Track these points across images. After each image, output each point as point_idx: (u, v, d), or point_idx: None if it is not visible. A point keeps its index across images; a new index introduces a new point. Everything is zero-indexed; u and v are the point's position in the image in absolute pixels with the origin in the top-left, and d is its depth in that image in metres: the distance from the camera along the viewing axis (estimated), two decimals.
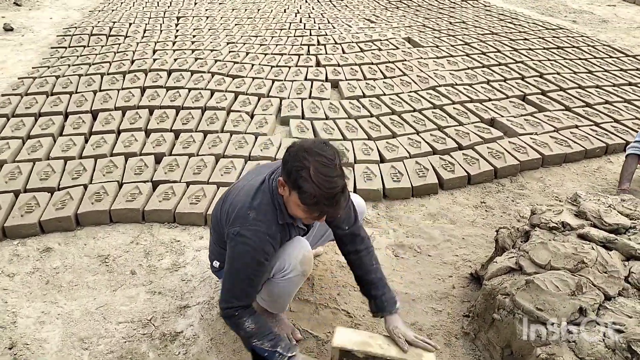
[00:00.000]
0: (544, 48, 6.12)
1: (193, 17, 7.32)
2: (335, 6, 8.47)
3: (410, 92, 4.82)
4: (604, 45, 6.38)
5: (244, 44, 6.02)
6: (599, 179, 3.65)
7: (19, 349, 2.19)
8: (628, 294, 1.99)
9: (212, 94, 4.53)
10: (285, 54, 5.72)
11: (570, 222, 2.34)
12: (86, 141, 3.78)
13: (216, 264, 2.22)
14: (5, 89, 4.58)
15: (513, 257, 2.27)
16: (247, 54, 5.64)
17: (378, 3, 8.67)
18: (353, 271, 2.16)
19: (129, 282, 2.59)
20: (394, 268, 2.75)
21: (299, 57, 5.62)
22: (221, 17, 7.35)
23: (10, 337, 2.24)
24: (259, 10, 7.95)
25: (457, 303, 2.50)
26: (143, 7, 7.84)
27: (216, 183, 3.30)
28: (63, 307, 2.43)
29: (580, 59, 5.82)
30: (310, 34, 6.53)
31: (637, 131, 4.12)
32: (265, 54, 5.65)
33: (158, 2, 8.22)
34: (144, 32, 6.38)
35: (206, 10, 7.81)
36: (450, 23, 7.26)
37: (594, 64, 5.66)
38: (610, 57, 5.95)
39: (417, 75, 5.18)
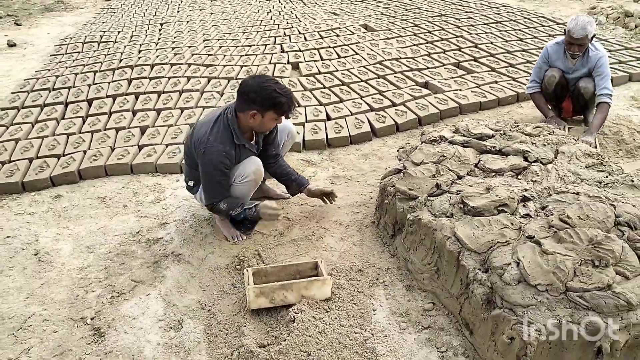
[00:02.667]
0: (484, 24, 6.90)
1: (175, 22, 8.15)
2: (305, 4, 9.28)
3: (360, 67, 5.61)
4: (539, 16, 7.15)
5: (219, 39, 6.85)
6: (507, 119, 4.40)
7: (42, 254, 2.97)
8: (475, 174, 2.75)
9: (188, 80, 5.33)
10: (254, 45, 6.53)
11: (446, 135, 3.11)
12: (84, 122, 4.58)
13: (191, 183, 3.06)
14: (14, 88, 5.41)
15: (401, 162, 3.04)
16: (220, 47, 6.46)
17: None
18: (273, 173, 3.09)
19: (122, 212, 3.38)
20: None
21: (266, 46, 6.43)
22: (200, 21, 8.18)
23: (35, 248, 3.03)
24: (234, 12, 8.77)
25: (371, 207, 3.26)
26: (130, 18, 8.69)
27: None
28: (72, 230, 3.22)
29: (514, 29, 6.60)
30: (278, 28, 7.35)
31: None
32: (237, 46, 6.47)
33: (144, 13, 9.07)
34: (131, 37, 7.22)
35: (187, 16, 8.64)
36: (406, 10, 8.06)
37: (526, 33, 6.44)
38: (542, 25, 6.73)
39: (368, 54, 5.97)
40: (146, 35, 7.27)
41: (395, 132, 4.32)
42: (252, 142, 2.93)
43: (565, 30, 3.86)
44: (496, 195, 2.47)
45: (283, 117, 2.79)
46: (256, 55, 6.10)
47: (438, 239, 2.43)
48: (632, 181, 2.57)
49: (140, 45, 6.65)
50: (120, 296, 2.64)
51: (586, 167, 2.78)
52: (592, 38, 3.82)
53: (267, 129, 2.83)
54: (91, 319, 2.49)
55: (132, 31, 7.59)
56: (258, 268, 2.56)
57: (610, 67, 4.09)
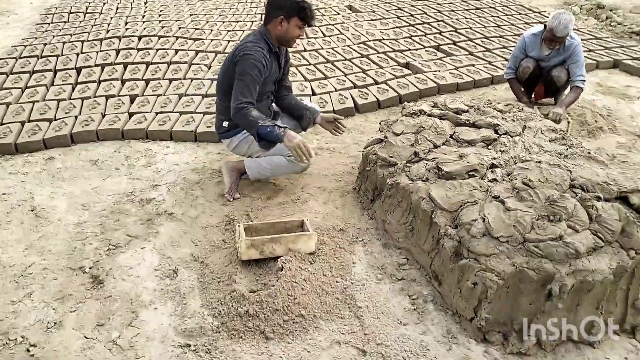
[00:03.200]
0: (464, 9, 7.12)
1: None
2: None
3: (344, 46, 5.78)
4: (517, 5, 7.41)
5: (205, 14, 6.92)
6: (482, 99, 4.65)
7: (38, 210, 3.11)
8: (450, 144, 2.99)
9: (176, 52, 5.43)
10: (241, 20, 6.64)
11: (425, 109, 3.33)
12: (73, 89, 4.66)
13: (225, 124, 3.18)
14: (0, 54, 5.43)
15: (383, 133, 3.26)
16: (207, 22, 6.55)
17: None
18: (288, 104, 3.35)
19: (114, 174, 3.53)
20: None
21: (252, 22, 6.54)
22: None
23: (31, 205, 3.17)
24: None
25: (353, 176, 3.48)
26: None
27: (179, 112, 4.23)
28: (66, 189, 3.36)
29: (492, 16, 6.85)
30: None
31: None
32: (224, 22, 6.56)
33: None
34: (117, 9, 7.22)
35: None
36: None
37: (503, 20, 6.70)
38: (519, 13, 6.99)
39: (352, 34, 6.14)
40: (132, 8, 7.27)
41: (377, 108, 4.54)
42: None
43: (545, 25, 4.07)
44: (467, 162, 2.71)
45: (305, 29, 3.11)
46: (243, 30, 6.21)
47: (414, 200, 2.66)
48: (589, 153, 2.84)
49: (127, 17, 6.69)
50: (116, 249, 2.81)
51: (549, 140, 3.04)
52: None
53: (291, 36, 3.02)
54: (89, 268, 2.66)
55: (118, 3, 7.58)
56: (249, 224, 2.77)
57: None
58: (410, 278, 2.58)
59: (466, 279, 2.26)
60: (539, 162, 2.66)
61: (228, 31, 6.17)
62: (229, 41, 5.80)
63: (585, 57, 5.25)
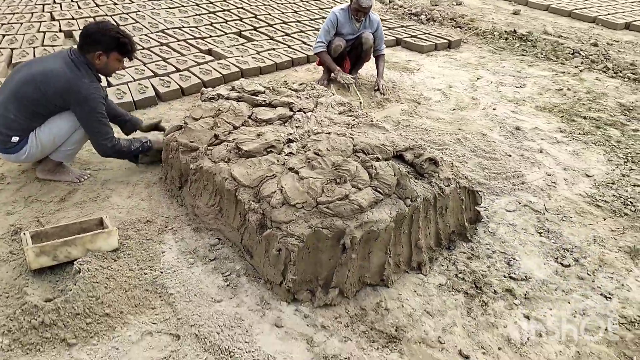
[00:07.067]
0: None
1: None
2: None
3: (141, 35, 5.51)
4: None
5: None
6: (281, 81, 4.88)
7: None
8: (249, 124, 3.08)
9: None
10: (18, 12, 5.87)
11: (223, 93, 3.37)
12: None
13: (15, 139, 2.89)
14: None
15: (183, 119, 3.22)
16: None
17: None
18: (107, 112, 3.09)
19: None
20: None
21: (32, 14, 5.84)
22: None
23: None
24: None
25: (158, 165, 3.37)
26: None
27: None
28: None
29: (289, 2, 7.17)
30: None
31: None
32: None
33: None
34: None
35: None
36: None
37: (300, 6, 7.06)
38: (315, 0, 7.44)
39: (149, 22, 5.88)
40: None
41: (181, 96, 4.44)
42: None
43: (351, 1, 4.48)
44: (265, 140, 2.83)
45: (125, 60, 3.04)
46: (21, 23, 5.51)
47: (218, 181, 2.69)
48: (372, 121, 3.19)
49: None
50: None
51: (339, 113, 3.33)
52: None
53: (111, 70, 3.01)
54: None
55: None
56: (37, 230, 2.51)
57: None
58: (223, 257, 2.62)
59: (272, 247, 2.37)
60: (329, 133, 2.90)
61: (2, 24, 5.41)
62: (3, 35, 5.09)
63: None
